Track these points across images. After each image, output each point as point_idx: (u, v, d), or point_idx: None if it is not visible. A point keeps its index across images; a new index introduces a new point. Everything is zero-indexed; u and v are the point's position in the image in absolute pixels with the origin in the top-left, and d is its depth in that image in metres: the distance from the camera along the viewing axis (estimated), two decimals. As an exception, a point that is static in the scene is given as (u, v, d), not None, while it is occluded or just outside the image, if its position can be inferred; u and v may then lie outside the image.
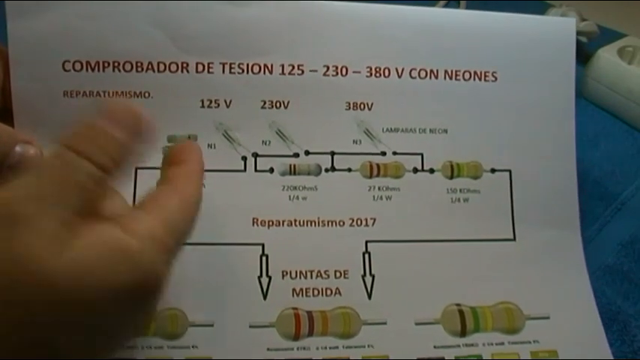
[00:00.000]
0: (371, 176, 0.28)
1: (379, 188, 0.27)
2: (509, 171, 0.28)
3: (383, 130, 0.28)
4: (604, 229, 0.32)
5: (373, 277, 0.26)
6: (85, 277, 0.16)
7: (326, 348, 0.25)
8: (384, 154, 0.28)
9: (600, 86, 0.40)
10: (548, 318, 0.27)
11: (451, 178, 0.28)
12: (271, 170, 0.27)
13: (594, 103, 0.40)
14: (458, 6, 0.48)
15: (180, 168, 0.22)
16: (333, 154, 0.27)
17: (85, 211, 0.17)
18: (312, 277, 0.26)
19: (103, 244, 0.17)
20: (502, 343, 0.26)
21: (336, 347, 0.25)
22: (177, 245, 0.19)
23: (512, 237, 0.28)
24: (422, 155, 0.28)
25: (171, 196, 0.20)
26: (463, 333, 0.26)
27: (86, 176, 0.17)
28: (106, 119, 0.19)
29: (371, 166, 0.28)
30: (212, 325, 0.25)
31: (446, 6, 0.48)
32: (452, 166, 0.28)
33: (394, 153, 0.28)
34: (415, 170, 0.28)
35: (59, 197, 0.17)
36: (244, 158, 0.27)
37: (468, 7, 0.47)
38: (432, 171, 0.28)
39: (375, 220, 0.27)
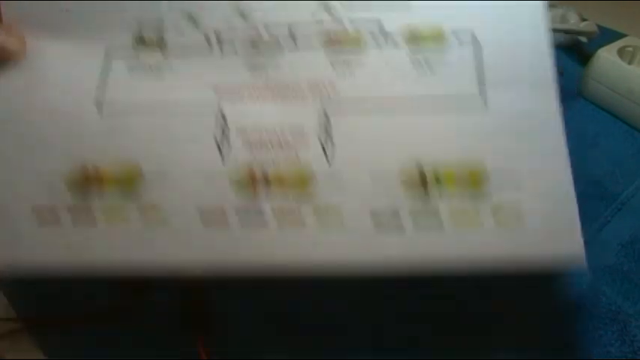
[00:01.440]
0: (331, 46, 0.28)
1: (338, 56, 0.27)
2: (473, 33, 0.27)
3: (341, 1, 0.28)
4: (604, 229, 0.32)
5: (333, 143, 0.26)
6: None
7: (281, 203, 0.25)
8: (342, 24, 0.28)
9: (600, 86, 0.40)
10: (516, 180, 0.25)
11: (413, 45, 0.27)
12: (234, 48, 0.28)
13: (594, 103, 0.40)
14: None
15: None
16: (291, 27, 0.28)
17: None
18: (271, 145, 0.26)
19: None
20: (463, 201, 0.25)
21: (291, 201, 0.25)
22: None
23: (482, 103, 0.27)
24: (379, 21, 0.28)
25: None
26: (424, 192, 0.25)
27: None
28: None
29: (330, 36, 0.28)
30: (166, 176, 0.26)
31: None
32: (413, 32, 0.28)
33: (353, 21, 0.28)
34: (375, 37, 0.28)
35: None
36: (207, 38, 0.28)
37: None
38: (392, 38, 0.28)
39: (334, 86, 0.27)
